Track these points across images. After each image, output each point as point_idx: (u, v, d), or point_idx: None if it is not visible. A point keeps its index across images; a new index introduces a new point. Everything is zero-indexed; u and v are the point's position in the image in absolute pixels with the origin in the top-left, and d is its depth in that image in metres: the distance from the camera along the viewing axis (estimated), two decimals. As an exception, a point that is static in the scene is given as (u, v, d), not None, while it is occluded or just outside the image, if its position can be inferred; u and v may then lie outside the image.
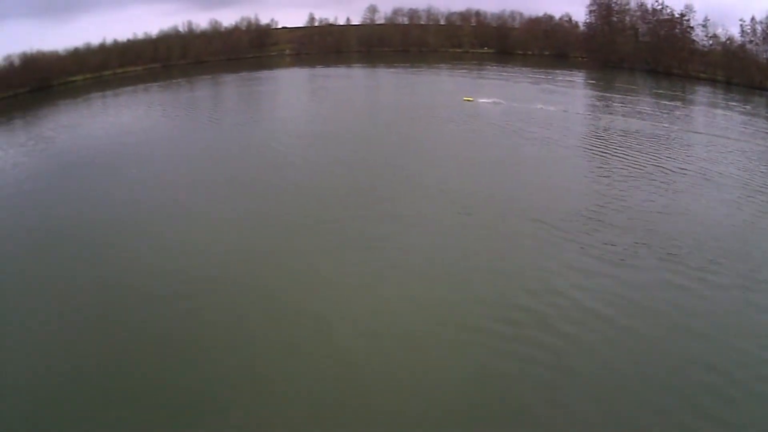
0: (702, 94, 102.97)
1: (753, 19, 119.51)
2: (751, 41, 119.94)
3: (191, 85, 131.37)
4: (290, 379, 21.10)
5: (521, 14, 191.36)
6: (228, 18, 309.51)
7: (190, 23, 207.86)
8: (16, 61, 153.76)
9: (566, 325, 23.96)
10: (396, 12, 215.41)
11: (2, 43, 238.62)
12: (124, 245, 34.15)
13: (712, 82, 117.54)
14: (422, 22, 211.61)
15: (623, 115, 73.01)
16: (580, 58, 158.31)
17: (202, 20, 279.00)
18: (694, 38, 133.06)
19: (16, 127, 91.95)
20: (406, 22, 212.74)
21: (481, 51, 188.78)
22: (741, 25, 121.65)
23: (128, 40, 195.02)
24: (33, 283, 30.05)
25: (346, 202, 40.03)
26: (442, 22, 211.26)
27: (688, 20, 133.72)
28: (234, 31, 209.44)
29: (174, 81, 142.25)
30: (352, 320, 24.64)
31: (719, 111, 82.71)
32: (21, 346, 24.26)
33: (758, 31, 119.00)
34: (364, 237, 33.67)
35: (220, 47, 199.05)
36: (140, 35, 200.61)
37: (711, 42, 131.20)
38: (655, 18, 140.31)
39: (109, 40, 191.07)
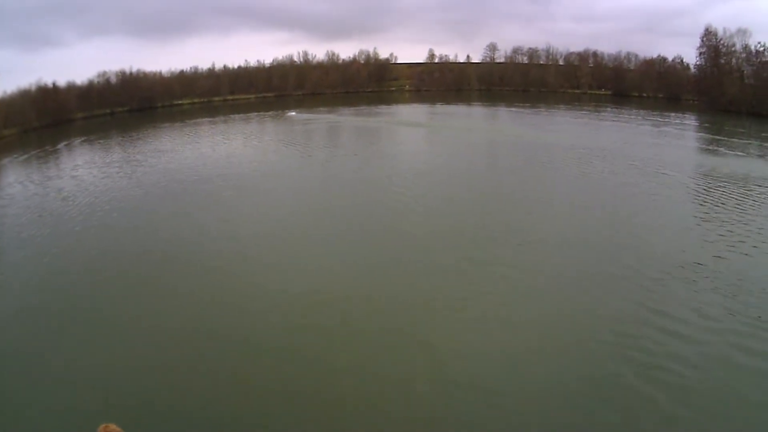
0: None
1: None
2: None
3: (308, 119, 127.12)
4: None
5: (636, 56, 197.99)
6: (345, 50, 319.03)
7: (306, 53, 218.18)
8: (113, 79, 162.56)
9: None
10: (516, 51, 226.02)
11: (100, 59, 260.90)
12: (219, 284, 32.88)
13: None
14: (541, 62, 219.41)
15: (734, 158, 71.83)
16: (691, 101, 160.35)
17: (318, 51, 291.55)
18: None
19: (109, 146, 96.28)
20: (526, 61, 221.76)
21: (598, 92, 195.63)
22: None
23: (239, 67, 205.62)
24: (124, 320, 28.63)
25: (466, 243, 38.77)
26: (561, 62, 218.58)
27: None
28: (352, 64, 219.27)
29: (286, 111, 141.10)
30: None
31: None
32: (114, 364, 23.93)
33: None
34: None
35: (338, 79, 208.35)
36: (252, 63, 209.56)
37: None
38: (758, 60, 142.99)
39: (218, 65, 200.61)
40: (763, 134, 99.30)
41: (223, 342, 25.36)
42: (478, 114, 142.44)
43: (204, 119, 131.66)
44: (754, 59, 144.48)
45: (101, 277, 34.07)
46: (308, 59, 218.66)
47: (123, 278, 33.78)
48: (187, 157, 77.67)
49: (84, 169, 72.11)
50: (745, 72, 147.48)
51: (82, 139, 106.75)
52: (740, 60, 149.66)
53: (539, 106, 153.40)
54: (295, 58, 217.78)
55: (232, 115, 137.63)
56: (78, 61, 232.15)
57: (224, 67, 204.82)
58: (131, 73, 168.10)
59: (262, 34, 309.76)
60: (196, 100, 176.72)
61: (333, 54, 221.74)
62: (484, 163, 73.37)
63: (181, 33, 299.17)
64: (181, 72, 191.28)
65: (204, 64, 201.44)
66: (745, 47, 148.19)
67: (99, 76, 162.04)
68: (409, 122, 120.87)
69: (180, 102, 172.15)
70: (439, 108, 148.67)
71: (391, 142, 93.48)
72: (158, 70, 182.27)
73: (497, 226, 41.94)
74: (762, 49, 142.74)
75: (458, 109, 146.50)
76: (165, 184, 59.53)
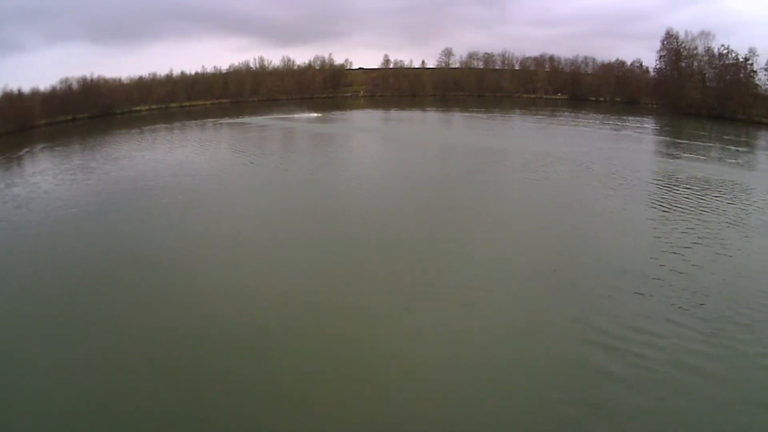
0: (764, 139, 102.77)
1: None
2: None
3: (262, 125, 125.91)
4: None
5: (594, 60, 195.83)
6: (301, 56, 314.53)
7: (262, 59, 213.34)
8: (75, 85, 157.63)
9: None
10: (471, 56, 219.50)
11: (61, 64, 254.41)
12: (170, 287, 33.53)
13: None
14: (497, 67, 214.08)
15: (694, 161, 72.74)
16: (650, 105, 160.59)
17: (274, 57, 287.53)
18: (758, 83, 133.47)
19: (66, 153, 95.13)
20: (481, 66, 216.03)
21: (554, 97, 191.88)
22: None
23: (197, 73, 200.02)
24: (74, 322, 29.14)
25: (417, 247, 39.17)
26: (517, 67, 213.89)
27: (751, 64, 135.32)
28: (307, 70, 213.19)
29: (243, 118, 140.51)
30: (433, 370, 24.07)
31: None
32: (65, 382, 23.73)
33: None
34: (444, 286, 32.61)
35: (293, 85, 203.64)
36: (209, 69, 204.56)
37: None
38: (721, 63, 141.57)
39: (176, 71, 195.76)
40: (725, 137, 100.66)
41: (173, 337, 26.88)
42: (433, 120, 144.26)
43: (160, 125, 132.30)
44: (717, 62, 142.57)
45: (51, 280, 35.29)
46: (264, 65, 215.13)
47: (72, 280, 35.12)
48: (141, 163, 78.36)
49: (42, 176, 72.09)
50: (707, 75, 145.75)
51: (43, 145, 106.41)
52: (702, 63, 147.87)
53: (494, 111, 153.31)
54: (252, 65, 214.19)
55: (187, 122, 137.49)
56: (40, 67, 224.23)
57: (182, 73, 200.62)
58: (92, 80, 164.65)
59: (221, 41, 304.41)
60: (153, 107, 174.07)
61: (289, 60, 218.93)
62: (437, 169, 72.66)
63: (141, 39, 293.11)
64: (140, 78, 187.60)
65: (163, 71, 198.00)
66: (708, 50, 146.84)
67: (61, 82, 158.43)
68: (363, 128, 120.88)
69: (138, 108, 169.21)
70: (394, 114, 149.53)
71: (345, 149, 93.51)
72: (118, 76, 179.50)
73: (449, 232, 42.75)
74: (726, 51, 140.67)
75: (413, 115, 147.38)
76: (117, 191, 60.30)
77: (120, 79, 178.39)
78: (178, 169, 71.58)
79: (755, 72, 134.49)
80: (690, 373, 22.97)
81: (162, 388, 22.63)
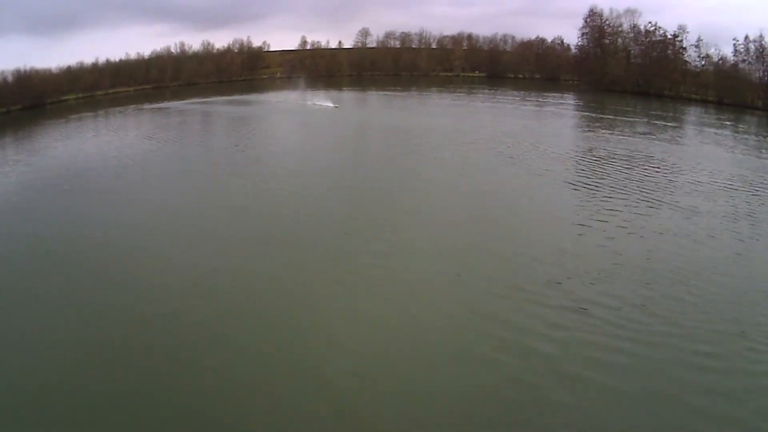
0: (693, 114, 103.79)
1: (747, 38, 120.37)
2: (744, 60, 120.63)
3: (181, 110, 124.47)
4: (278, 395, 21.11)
5: (513, 38, 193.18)
6: (221, 40, 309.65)
7: (182, 44, 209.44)
8: (10, 78, 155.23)
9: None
10: (388, 35, 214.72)
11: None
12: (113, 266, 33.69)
13: (704, 102, 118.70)
14: (414, 46, 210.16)
15: (608, 139, 71.64)
16: (571, 81, 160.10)
17: (195, 42, 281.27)
18: (687, 59, 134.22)
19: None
20: (398, 46, 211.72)
21: (472, 75, 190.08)
22: (734, 45, 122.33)
23: (121, 60, 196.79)
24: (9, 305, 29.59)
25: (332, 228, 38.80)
26: (434, 46, 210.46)
27: (680, 41, 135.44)
28: (226, 54, 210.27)
29: (163, 103, 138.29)
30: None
31: (711, 131, 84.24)
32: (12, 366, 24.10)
33: (751, 50, 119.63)
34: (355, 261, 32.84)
35: (212, 69, 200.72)
36: (133, 56, 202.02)
37: (703, 62, 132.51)
38: (648, 39, 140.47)
39: (102, 59, 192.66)
40: (651, 112, 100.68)
41: (109, 321, 26.90)
42: (349, 99, 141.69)
43: (86, 113, 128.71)
44: (643, 39, 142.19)
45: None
46: (185, 50, 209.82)
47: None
48: (63, 153, 76.35)
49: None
50: (632, 52, 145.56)
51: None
52: (627, 40, 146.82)
53: (411, 89, 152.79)
54: (173, 50, 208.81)
55: (111, 109, 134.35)
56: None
57: (107, 60, 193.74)
58: (25, 72, 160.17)
59: (144, 27, 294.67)
60: (80, 95, 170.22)
61: (208, 44, 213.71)
62: (352, 151, 70.67)
63: (71, 29, 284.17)
64: (68, 68, 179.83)
65: (90, 59, 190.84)
66: (634, 27, 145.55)
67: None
68: (279, 110, 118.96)
69: (66, 98, 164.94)
70: (309, 94, 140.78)
71: (261, 131, 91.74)
72: (49, 67, 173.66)
73: (366, 220, 40.64)
74: (653, 28, 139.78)
75: (328, 95, 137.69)
76: (39, 183, 57.78)
77: (50, 70, 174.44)
78: (99, 158, 68.64)
79: (684, 49, 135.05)
80: (596, 366, 22.46)
81: (109, 368, 23.10)
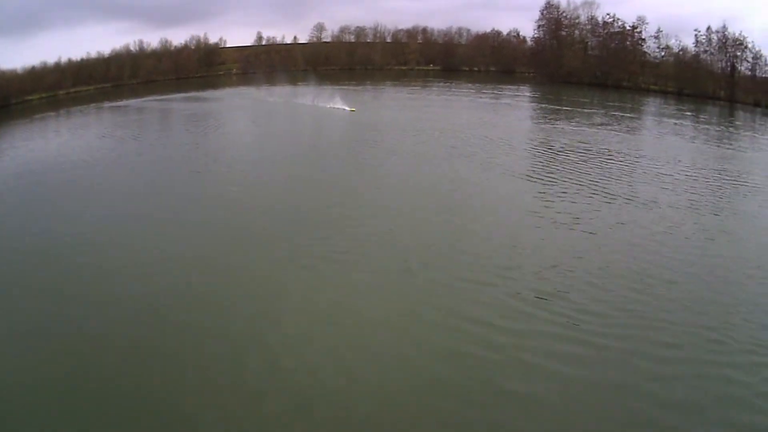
0: (652, 105, 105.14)
1: (709, 29, 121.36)
2: (705, 51, 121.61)
3: (138, 108, 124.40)
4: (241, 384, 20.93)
5: (468, 31, 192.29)
6: (178, 37, 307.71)
7: (141, 42, 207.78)
8: None
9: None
10: (343, 30, 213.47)
11: None
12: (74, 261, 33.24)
13: (663, 93, 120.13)
14: (369, 40, 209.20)
15: (562, 131, 70.63)
16: (527, 74, 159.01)
17: (153, 39, 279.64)
18: (646, 50, 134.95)
19: None
20: (353, 40, 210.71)
21: (426, 68, 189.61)
22: (696, 36, 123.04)
23: (82, 60, 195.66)
24: None
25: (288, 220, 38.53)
26: (389, 40, 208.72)
27: (639, 32, 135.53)
28: (183, 51, 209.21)
29: (121, 102, 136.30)
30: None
31: (671, 121, 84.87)
32: None
33: (714, 40, 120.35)
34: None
35: (170, 66, 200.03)
36: (93, 54, 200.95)
37: (663, 53, 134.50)
38: (605, 31, 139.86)
39: (64, 59, 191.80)
40: (609, 103, 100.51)
41: (68, 312, 26.89)
42: (304, 94, 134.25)
43: (50, 113, 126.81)
44: (601, 30, 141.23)
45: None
46: (143, 48, 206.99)
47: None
48: (23, 155, 73.77)
49: None
50: (589, 43, 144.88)
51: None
52: (585, 32, 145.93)
53: (365, 83, 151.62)
54: (132, 48, 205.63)
55: (73, 108, 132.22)
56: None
57: (69, 60, 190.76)
58: None
59: (104, 25, 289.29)
60: (44, 95, 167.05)
61: (166, 41, 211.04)
62: (304, 145, 69.07)
63: (34, 29, 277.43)
64: (32, 68, 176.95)
65: (53, 59, 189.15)
66: (591, 19, 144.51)
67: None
68: (234, 106, 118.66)
69: (30, 98, 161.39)
70: (264, 90, 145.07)
71: (218, 127, 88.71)
72: (15, 67, 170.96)
73: (318, 213, 39.74)
74: (611, 20, 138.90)
75: (283, 90, 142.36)
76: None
77: (16, 71, 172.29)
78: (60, 158, 67.35)
79: (643, 40, 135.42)
80: (550, 356, 21.93)
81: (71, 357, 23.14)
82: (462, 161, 54.36)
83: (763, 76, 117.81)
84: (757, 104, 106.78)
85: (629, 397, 19.56)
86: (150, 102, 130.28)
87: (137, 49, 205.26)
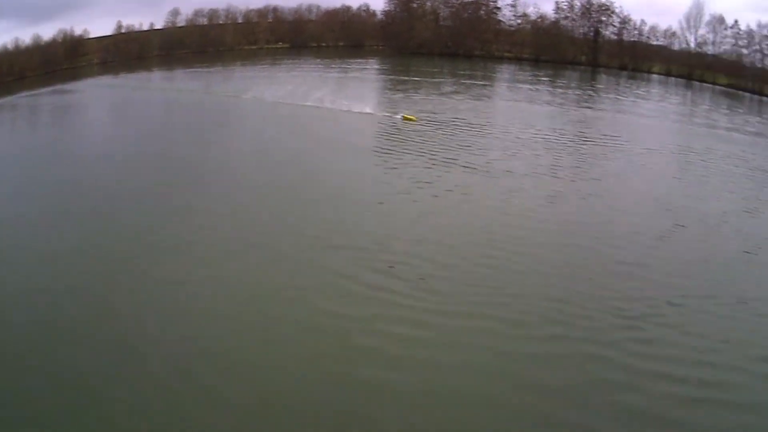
0: (506, 72, 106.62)
1: None
2: (566, 17, 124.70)
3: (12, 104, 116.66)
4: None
5: (318, 7, 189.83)
6: (48, 32, 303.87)
7: (17, 39, 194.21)
8: None
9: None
10: (197, 13, 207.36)
11: None
12: None
13: (518, 60, 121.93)
14: (221, 22, 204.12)
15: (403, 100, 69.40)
16: (376, 47, 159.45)
17: (27, 36, 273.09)
18: (501, 18, 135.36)
19: None
20: (206, 23, 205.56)
21: (275, 46, 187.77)
22: (557, 3, 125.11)
23: None
24: None
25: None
26: (240, 20, 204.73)
27: (495, 1, 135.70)
28: (51, 45, 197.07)
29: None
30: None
31: (525, 86, 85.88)
32: None
33: (576, 7, 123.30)
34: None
35: (40, 61, 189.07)
36: None
37: (520, 21, 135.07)
38: (458, 2, 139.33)
39: None
40: (459, 72, 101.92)
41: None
42: (156, 79, 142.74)
43: None
44: (454, 1, 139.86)
45: None
46: (18, 45, 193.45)
47: None
48: None
49: None
50: (441, 15, 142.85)
51: None
52: (437, 3, 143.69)
53: (216, 65, 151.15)
54: (9, 46, 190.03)
55: None
56: None
57: None
58: None
59: None
60: None
61: (37, 37, 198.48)
62: (152, 133, 64.28)
63: None
64: None
65: None
66: None
67: None
68: (95, 96, 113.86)
69: None
70: (121, 78, 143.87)
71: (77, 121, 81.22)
72: None
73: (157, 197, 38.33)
74: None
75: (139, 77, 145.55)
76: None
77: None
78: None
79: (498, 9, 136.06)
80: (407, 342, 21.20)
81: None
82: (305, 140, 52.80)
83: (631, 39, 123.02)
84: (623, 68, 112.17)
85: (495, 379, 18.61)
86: (20, 98, 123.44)
87: (13, 46, 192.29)
